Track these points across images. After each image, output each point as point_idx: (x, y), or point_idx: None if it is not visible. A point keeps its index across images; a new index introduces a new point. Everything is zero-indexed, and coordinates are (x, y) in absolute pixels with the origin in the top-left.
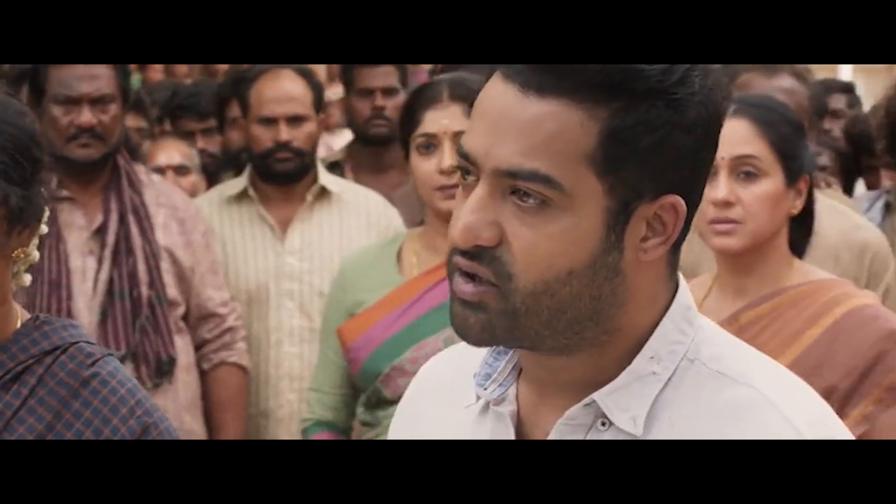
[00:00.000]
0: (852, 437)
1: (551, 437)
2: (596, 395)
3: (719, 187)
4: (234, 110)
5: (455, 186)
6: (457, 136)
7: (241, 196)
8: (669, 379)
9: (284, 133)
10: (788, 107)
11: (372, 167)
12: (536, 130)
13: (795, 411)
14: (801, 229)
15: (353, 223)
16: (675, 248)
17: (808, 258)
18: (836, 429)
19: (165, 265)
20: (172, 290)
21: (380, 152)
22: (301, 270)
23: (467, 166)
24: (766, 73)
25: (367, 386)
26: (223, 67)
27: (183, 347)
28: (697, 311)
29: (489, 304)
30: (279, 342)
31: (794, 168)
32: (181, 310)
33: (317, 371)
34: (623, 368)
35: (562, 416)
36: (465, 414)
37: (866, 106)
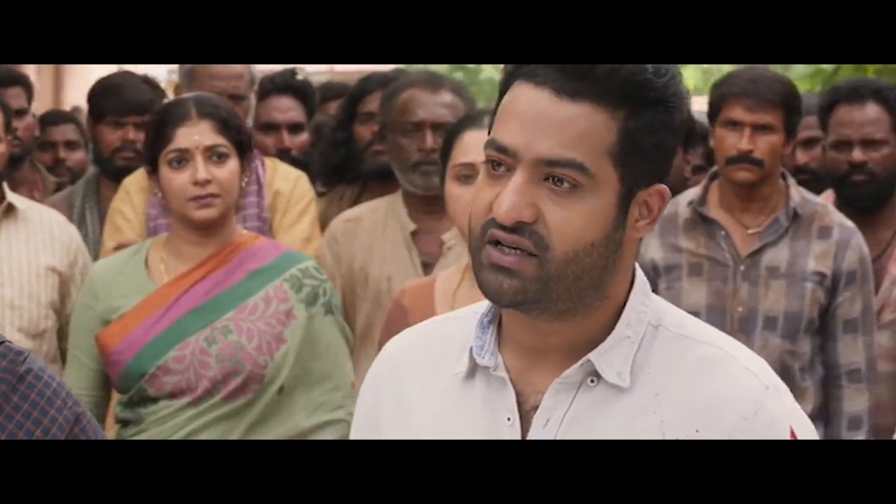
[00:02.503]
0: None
1: (547, 395)
2: (591, 356)
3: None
4: None
5: (208, 196)
6: (207, 150)
7: None
8: (640, 342)
9: None
10: None
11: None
12: (572, 127)
13: (751, 363)
14: None
15: (38, 238)
16: None
17: None
18: (776, 378)
19: None
20: None
21: (10, 171)
22: None
23: (501, 158)
24: (431, 89)
25: (130, 386)
26: None
27: None
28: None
29: (525, 272)
30: None
31: None
32: None
33: (69, 375)
34: (602, 333)
35: (555, 376)
36: (449, 381)
37: None
